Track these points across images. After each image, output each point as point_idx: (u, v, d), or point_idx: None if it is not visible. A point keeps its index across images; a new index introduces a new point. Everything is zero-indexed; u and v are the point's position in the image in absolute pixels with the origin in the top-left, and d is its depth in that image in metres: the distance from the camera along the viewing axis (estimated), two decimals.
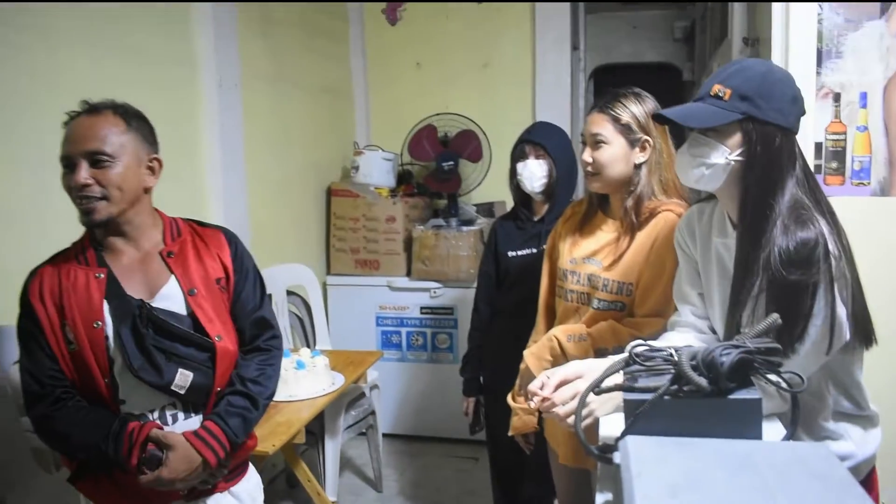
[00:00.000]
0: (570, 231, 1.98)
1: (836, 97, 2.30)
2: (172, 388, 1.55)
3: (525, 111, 4.26)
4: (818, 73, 2.30)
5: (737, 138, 1.37)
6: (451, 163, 3.84)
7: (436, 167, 3.89)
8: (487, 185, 3.96)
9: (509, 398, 2.08)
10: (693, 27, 5.47)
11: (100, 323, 1.53)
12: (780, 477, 0.91)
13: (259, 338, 1.76)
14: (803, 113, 1.41)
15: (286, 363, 2.52)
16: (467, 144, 3.87)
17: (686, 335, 1.55)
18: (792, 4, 2.29)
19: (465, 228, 3.77)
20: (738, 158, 1.37)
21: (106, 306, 1.54)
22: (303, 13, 3.80)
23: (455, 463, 3.74)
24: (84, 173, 1.50)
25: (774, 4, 2.32)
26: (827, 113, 2.31)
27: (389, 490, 3.47)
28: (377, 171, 3.92)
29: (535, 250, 2.41)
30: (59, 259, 1.61)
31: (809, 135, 2.31)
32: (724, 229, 1.49)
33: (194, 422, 1.61)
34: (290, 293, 3.46)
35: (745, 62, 1.44)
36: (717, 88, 1.37)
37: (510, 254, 2.50)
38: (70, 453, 1.62)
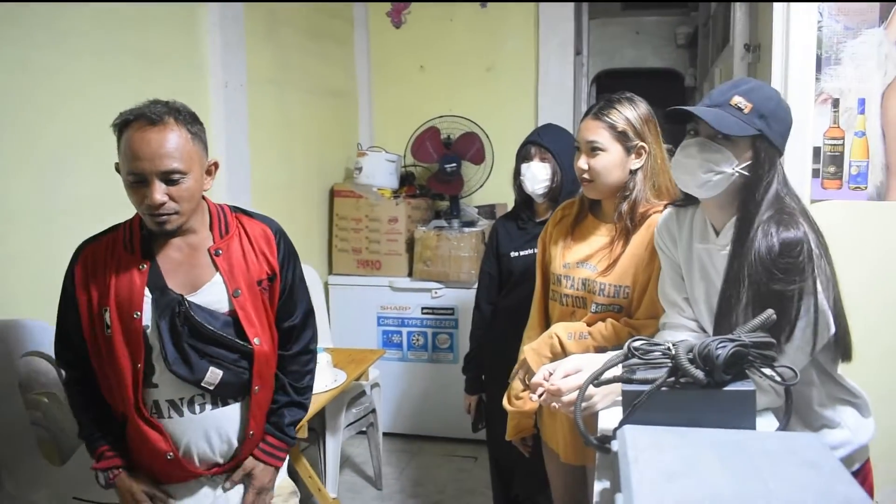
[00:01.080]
0: (562, 235, 1.99)
1: (835, 103, 2.34)
2: (203, 384, 1.61)
3: (528, 115, 4.29)
4: (817, 79, 2.34)
5: (747, 153, 1.41)
6: (454, 165, 3.87)
7: (438, 169, 3.92)
8: (489, 187, 3.99)
9: (505, 402, 2.10)
10: (696, 33, 5.51)
11: (139, 313, 1.57)
12: (772, 464, 0.94)
13: (303, 339, 1.83)
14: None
15: None
16: (470, 147, 3.90)
17: (679, 335, 1.58)
18: (792, 11, 2.32)
19: (466, 230, 3.80)
20: (743, 172, 1.41)
21: (147, 295, 1.58)
22: (308, 16, 3.83)
23: (455, 462, 3.77)
24: (160, 194, 1.50)
25: (775, 11, 2.36)
26: (825, 118, 2.35)
27: (389, 488, 3.50)
28: (380, 172, 3.95)
29: (537, 250, 2.44)
30: (109, 239, 1.64)
31: (808, 139, 2.35)
32: (707, 235, 1.53)
33: (220, 413, 1.67)
34: None
35: (756, 81, 1.48)
36: (737, 100, 1.40)
37: (513, 254, 2.52)
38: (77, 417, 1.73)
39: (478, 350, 2.70)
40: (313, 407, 2.39)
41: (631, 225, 1.83)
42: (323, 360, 2.57)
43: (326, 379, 2.55)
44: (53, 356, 1.76)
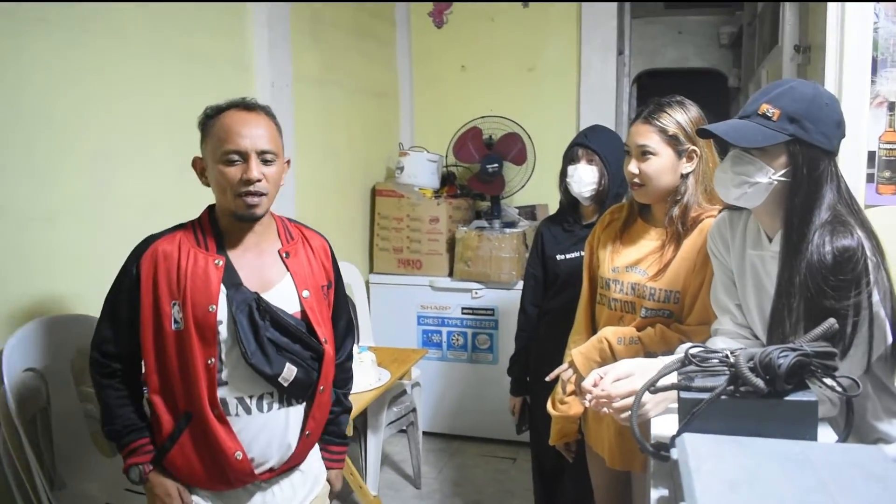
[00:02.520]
0: (610, 239, 1.98)
1: (891, 106, 2.29)
2: (279, 379, 1.62)
3: (569, 115, 4.28)
4: (873, 82, 2.29)
5: (782, 159, 1.39)
6: (496, 165, 3.87)
7: (480, 169, 3.92)
8: (530, 188, 3.99)
9: (549, 406, 2.10)
10: (740, 33, 5.43)
11: (214, 307, 1.58)
12: (836, 477, 0.93)
13: (346, 347, 1.91)
14: (844, 136, 1.43)
15: None
16: (512, 147, 3.90)
17: (732, 342, 1.57)
18: (847, 12, 2.28)
19: (507, 230, 3.80)
20: (782, 179, 1.39)
21: (223, 292, 1.60)
22: (352, 16, 3.86)
23: (493, 463, 3.77)
24: (258, 170, 1.57)
25: (829, 12, 2.32)
26: (881, 122, 2.30)
27: (428, 487, 3.51)
28: (422, 172, 3.97)
29: (583, 253, 2.43)
30: (179, 236, 1.64)
31: (863, 144, 2.30)
32: (759, 242, 1.51)
33: (285, 412, 1.67)
34: None
35: (792, 82, 1.44)
36: (765, 108, 1.38)
37: (559, 257, 2.52)
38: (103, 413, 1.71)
39: (523, 352, 2.70)
40: (357, 406, 2.42)
41: (682, 229, 1.81)
42: (367, 359, 2.59)
43: (370, 378, 2.57)
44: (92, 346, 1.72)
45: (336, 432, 1.89)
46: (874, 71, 2.28)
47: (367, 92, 4.09)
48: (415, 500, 3.41)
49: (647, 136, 1.81)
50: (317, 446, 1.86)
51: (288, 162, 1.73)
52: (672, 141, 1.80)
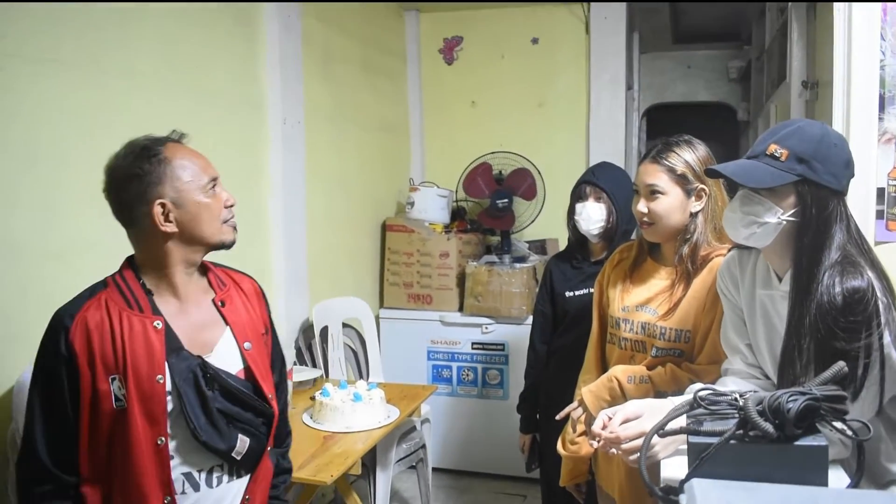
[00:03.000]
0: (620, 278, 1.98)
1: None
2: (233, 454, 1.47)
3: (579, 150, 4.31)
4: (881, 119, 2.30)
5: (791, 199, 1.39)
6: (506, 200, 3.89)
7: (490, 204, 3.94)
8: (540, 223, 4.00)
9: (559, 447, 2.08)
10: (749, 67, 5.46)
11: (162, 377, 1.39)
12: None
13: (282, 398, 1.69)
14: (853, 175, 1.43)
15: (343, 395, 2.57)
16: (522, 182, 3.92)
17: (743, 382, 1.55)
18: (854, 50, 2.29)
19: (517, 265, 3.80)
20: (791, 219, 1.39)
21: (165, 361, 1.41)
22: (362, 52, 3.91)
23: (503, 500, 3.73)
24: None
25: (836, 49, 2.33)
26: (889, 158, 2.30)
27: None
28: (432, 206, 3.99)
29: (592, 290, 2.43)
30: (103, 299, 1.42)
31: (872, 180, 2.30)
32: (769, 281, 1.51)
33: (235, 485, 1.52)
34: (345, 325, 3.52)
35: (800, 122, 1.44)
36: (773, 148, 1.39)
37: (568, 294, 2.51)
38: None
39: (532, 389, 2.69)
40: (366, 443, 2.40)
41: (692, 268, 1.81)
42: (376, 397, 2.58)
43: (380, 415, 2.55)
44: (35, 466, 1.40)
45: (273, 495, 1.67)
46: (881, 108, 2.29)
47: (378, 127, 4.13)
48: None
49: (656, 176, 1.81)
50: None
51: None
52: (681, 180, 1.80)
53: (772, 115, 3.89)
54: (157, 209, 1.41)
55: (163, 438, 1.40)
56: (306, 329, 3.33)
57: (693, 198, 1.82)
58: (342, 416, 2.49)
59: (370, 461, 2.97)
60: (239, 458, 1.48)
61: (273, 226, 3.14)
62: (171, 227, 1.43)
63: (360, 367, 3.61)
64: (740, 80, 5.98)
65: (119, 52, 2.28)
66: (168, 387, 1.40)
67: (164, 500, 1.40)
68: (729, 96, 6.21)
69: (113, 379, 1.37)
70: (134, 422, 1.37)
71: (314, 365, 3.29)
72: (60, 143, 2.09)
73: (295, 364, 3.05)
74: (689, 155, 1.81)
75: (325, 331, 3.33)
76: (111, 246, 2.20)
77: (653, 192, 1.82)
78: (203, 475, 1.47)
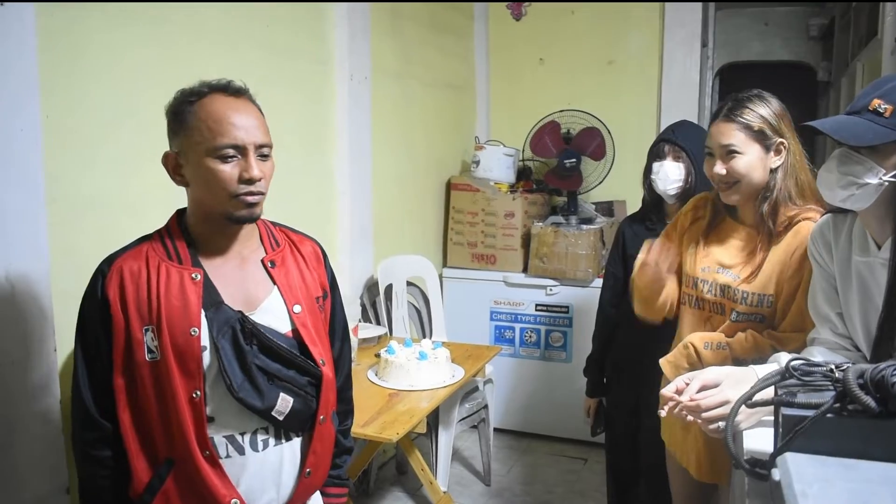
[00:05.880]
0: (696, 237, 1.90)
1: None
2: (273, 413, 1.40)
3: (650, 109, 4.17)
4: None
5: (894, 159, 1.29)
6: (574, 160, 3.80)
7: (557, 164, 3.86)
8: (608, 184, 3.90)
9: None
10: (832, 25, 5.20)
11: (196, 330, 1.34)
12: None
13: (343, 370, 1.65)
14: None
15: (408, 353, 2.57)
16: (590, 142, 3.82)
17: (831, 354, 1.48)
18: None
19: (584, 227, 3.72)
20: (894, 180, 1.29)
21: (201, 313, 1.37)
22: (430, 10, 3.85)
23: (563, 462, 3.72)
24: (259, 166, 1.36)
25: None
26: None
27: (498, 484, 3.49)
28: (497, 166, 3.94)
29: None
30: (145, 250, 1.40)
31: None
32: (867, 247, 1.41)
33: (284, 449, 1.46)
34: (409, 284, 3.52)
35: None
36: (876, 103, 1.29)
37: None
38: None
39: (600, 352, 2.64)
40: (431, 403, 2.40)
41: (774, 228, 1.73)
42: (441, 356, 2.58)
43: (444, 374, 2.55)
44: (82, 412, 1.40)
45: (336, 476, 1.63)
46: None
47: (445, 85, 4.08)
48: (484, 497, 3.39)
49: (732, 135, 1.72)
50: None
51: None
52: (759, 136, 1.72)
53: (858, 74, 3.70)
54: (170, 157, 1.40)
55: (198, 392, 1.35)
56: (371, 286, 3.33)
57: (772, 153, 1.73)
58: (407, 375, 2.50)
59: (433, 420, 2.98)
60: (281, 417, 1.41)
61: (339, 181, 3.13)
62: (179, 180, 1.40)
63: (423, 326, 3.61)
64: (821, 39, 5.71)
65: (187, 7, 2.27)
66: (204, 341, 1.36)
67: (203, 454, 1.36)
68: (808, 55, 5.94)
69: (147, 330, 1.34)
70: (169, 374, 1.33)
71: (378, 322, 3.30)
72: (129, 96, 2.08)
73: (360, 321, 3.06)
74: (764, 109, 1.72)
75: (389, 288, 3.34)
76: (180, 197, 2.25)
77: (730, 153, 1.73)
78: (247, 438, 1.41)
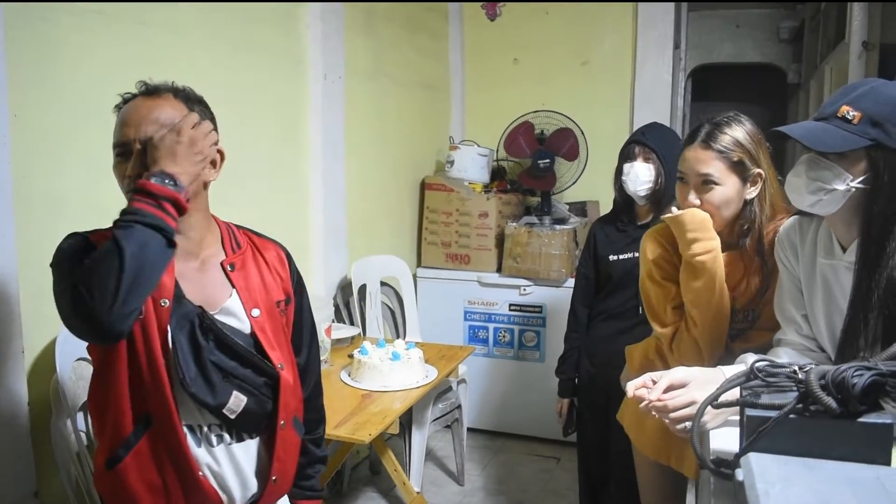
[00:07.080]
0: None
1: None
2: (224, 411, 1.39)
3: (623, 110, 4.20)
4: None
5: (861, 165, 1.30)
6: (547, 160, 3.81)
7: (531, 164, 3.87)
8: (581, 184, 3.92)
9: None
10: (802, 27, 5.27)
11: (167, 301, 1.33)
12: None
13: (309, 381, 1.65)
14: None
15: (381, 354, 2.57)
16: (564, 142, 3.84)
17: (796, 355, 1.50)
18: None
19: (557, 227, 3.74)
20: (861, 186, 1.31)
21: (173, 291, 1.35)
22: (404, 9, 3.84)
23: (537, 462, 3.73)
24: (135, 167, 1.32)
25: None
26: None
27: (471, 484, 3.49)
28: (472, 166, 3.94)
29: (637, 254, 2.37)
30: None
31: None
32: (832, 250, 1.43)
33: (242, 448, 1.46)
34: (383, 284, 3.51)
35: (874, 83, 1.34)
36: (845, 110, 1.30)
37: (612, 257, 2.47)
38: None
39: (572, 353, 2.66)
40: (404, 403, 2.40)
41: (766, 255, 1.67)
42: (414, 356, 2.58)
43: (418, 375, 2.55)
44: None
45: (307, 486, 1.64)
46: None
47: (419, 85, 4.07)
48: (457, 496, 3.39)
49: (710, 164, 1.64)
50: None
51: (222, 155, 1.45)
52: (738, 168, 1.65)
53: (826, 76, 3.75)
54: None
55: (170, 370, 1.34)
56: (344, 287, 3.33)
57: (749, 184, 1.67)
58: (380, 375, 2.50)
59: (406, 420, 2.98)
60: (233, 416, 1.40)
61: (313, 182, 3.12)
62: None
63: (397, 326, 3.61)
64: (791, 42, 5.78)
65: (161, 5, 2.25)
66: (170, 328, 1.35)
67: (177, 415, 1.35)
68: (779, 58, 6.02)
69: None
70: (153, 331, 1.32)
71: (352, 323, 3.29)
72: (104, 99, 2.05)
73: (333, 322, 3.05)
74: (740, 133, 1.65)
75: (363, 289, 3.33)
76: None
77: (706, 182, 1.65)
78: (204, 431, 1.41)
